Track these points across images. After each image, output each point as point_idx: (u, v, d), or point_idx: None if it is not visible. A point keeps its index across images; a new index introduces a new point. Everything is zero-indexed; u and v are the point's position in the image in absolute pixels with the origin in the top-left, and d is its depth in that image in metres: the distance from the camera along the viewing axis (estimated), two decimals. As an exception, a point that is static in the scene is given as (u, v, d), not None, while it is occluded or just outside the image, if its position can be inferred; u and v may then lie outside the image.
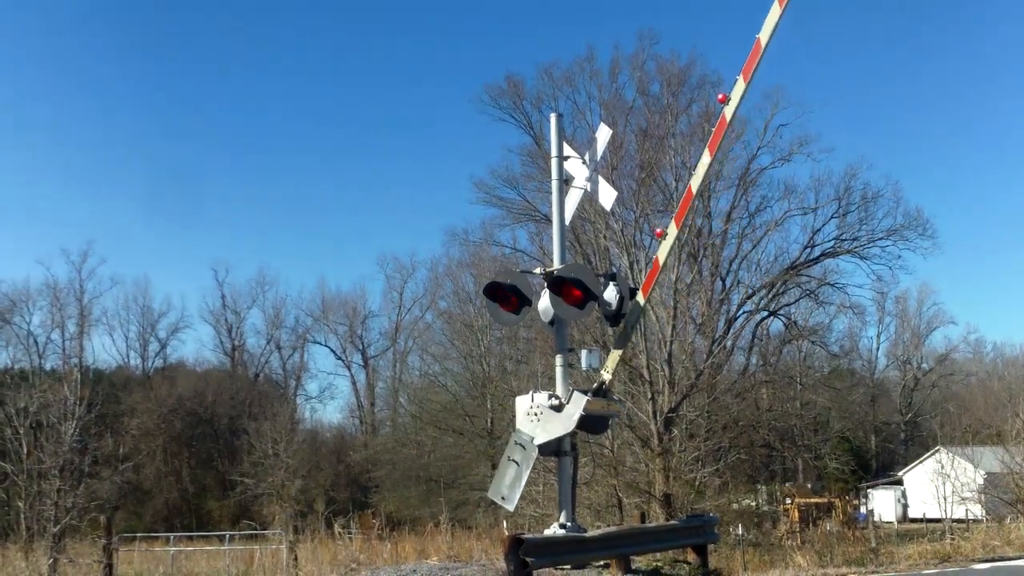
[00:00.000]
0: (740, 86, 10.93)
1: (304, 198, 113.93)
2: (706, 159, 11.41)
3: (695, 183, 11.80)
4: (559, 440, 11.11)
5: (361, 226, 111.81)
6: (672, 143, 36.09)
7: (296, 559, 21.76)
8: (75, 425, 31.17)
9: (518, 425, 11.24)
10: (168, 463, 62.17)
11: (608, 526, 21.64)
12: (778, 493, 48.93)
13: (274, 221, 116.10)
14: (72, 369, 45.83)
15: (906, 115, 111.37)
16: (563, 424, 10.94)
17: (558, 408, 11.00)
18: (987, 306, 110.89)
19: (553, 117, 12.58)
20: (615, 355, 11.81)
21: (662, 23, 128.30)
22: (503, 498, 10.95)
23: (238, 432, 61.11)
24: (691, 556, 13.90)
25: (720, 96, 11.13)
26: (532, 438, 10.98)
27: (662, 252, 11.70)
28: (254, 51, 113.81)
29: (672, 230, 11.73)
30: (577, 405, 10.92)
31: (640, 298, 11.78)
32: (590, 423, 11.52)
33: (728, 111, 11.03)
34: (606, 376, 11.49)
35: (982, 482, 36.31)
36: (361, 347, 77.85)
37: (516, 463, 10.91)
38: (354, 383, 77.97)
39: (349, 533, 21.60)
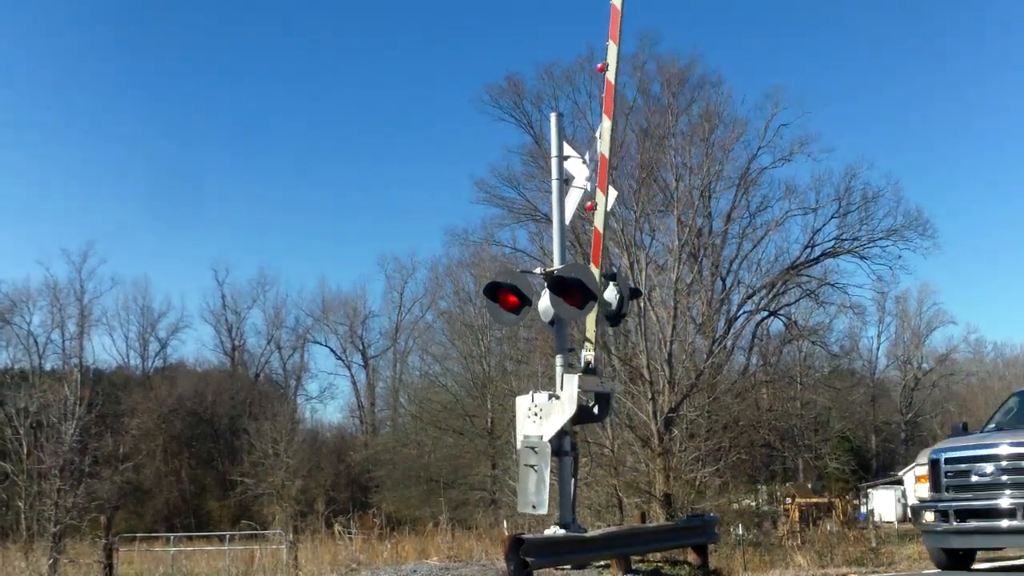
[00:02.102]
0: (612, 49, 11.66)
1: (304, 198, 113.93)
2: (607, 123, 11.90)
3: (604, 148, 11.95)
4: (560, 438, 11.10)
5: (361, 226, 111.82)
6: (672, 143, 36.11)
7: (296, 559, 21.75)
8: (75, 425, 31.18)
9: (522, 430, 11.21)
10: (168, 463, 62.20)
11: (608, 526, 21.63)
12: (778, 493, 48.96)
13: (274, 221, 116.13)
14: (72, 369, 45.86)
15: (907, 115, 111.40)
16: (564, 410, 10.96)
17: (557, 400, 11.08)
18: (987, 306, 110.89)
19: (553, 116, 12.56)
20: (590, 329, 11.92)
21: (662, 23, 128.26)
22: (534, 506, 10.87)
23: (238, 432, 61.16)
24: (691, 556, 13.89)
25: (599, 65, 11.89)
26: (541, 436, 10.98)
27: (597, 221, 11.98)
28: (254, 51, 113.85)
29: (600, 198, 11.90)
30: (571, 385, 10.96)
31: (593, 271, 11.88)
32: (587, 412, 11.54)
33: (610, 75, 11.74)
34: (589, 356, 11.56)
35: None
36: (361, 347, 77.93)
37: (533, 467, 10.90)
38: (354, 383, 78.09)
39: (349, 533, 21.57)
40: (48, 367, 60.89)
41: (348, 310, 78.17)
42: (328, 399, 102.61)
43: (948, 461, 12.31)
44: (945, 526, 12.13)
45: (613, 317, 12.36)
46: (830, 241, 43.04)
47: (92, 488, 33.72)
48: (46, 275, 78.03)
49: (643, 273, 32.20)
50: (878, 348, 79.79)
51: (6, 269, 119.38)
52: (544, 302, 11.61)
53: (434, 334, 59.59)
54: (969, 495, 11.98)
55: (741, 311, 41.01)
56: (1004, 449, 11.91)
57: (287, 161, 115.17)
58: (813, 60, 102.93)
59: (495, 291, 11.61)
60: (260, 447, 52.06)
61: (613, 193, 12.46)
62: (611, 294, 11.87)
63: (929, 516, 12.30)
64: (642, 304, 30.66)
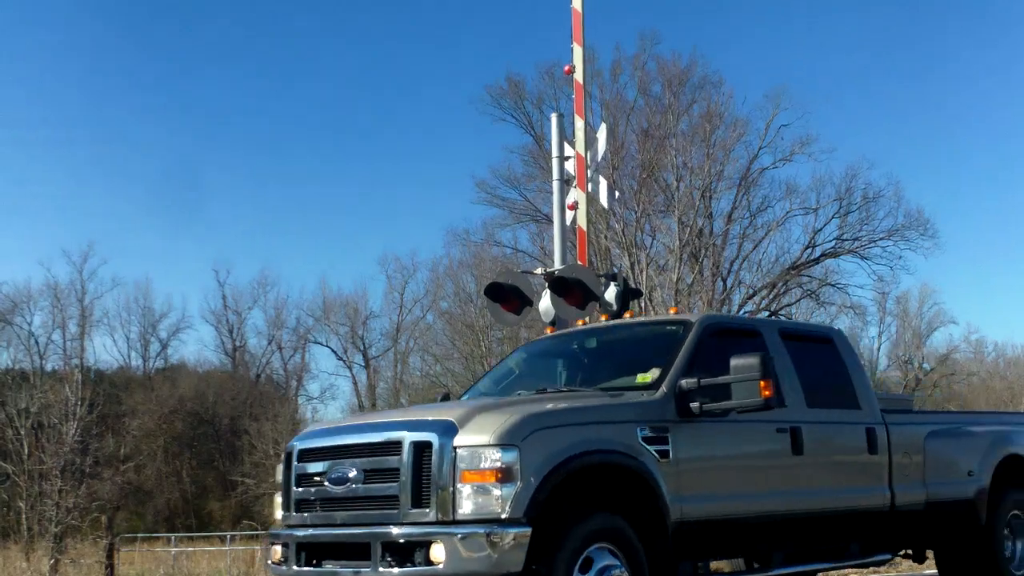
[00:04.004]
0: (578, 51, 12.26)
1: (306, 198, 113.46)
2: (579, 123, 12.48)
3: (579, 147, 12.29)
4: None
5: (362, 226, 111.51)
6: (673, 143, 36.07)
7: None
8: (76, 426, 31.07)
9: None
10: (169, 463, 62.17)
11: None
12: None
13: (275, 221, 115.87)
14: (73, 370, 45.70)
15: (908, 115, 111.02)
16: None
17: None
18: (988, 306, 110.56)
19: (554, 117, 12.60)
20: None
21: (663, 23, 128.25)
22: None
23: (239, 432, 61.07)
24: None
25: (566, 68, 12.43)
26: None
27: (580, 220, 12.36)
28: (254, 51, 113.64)
29: (581, 196, 12.19)
30: None
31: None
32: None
33: (578, 76, 12.33)
34: None
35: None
36: (362, 347, 77.67)
37: None
38: (355, 383, 77.80)
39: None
40: (49, 368, 60.67)
41: (349, 310, 77.99)
42: (329, 399, 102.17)
43: (303, 456, 6.55)
44: (285, 571, 6.43)
45: (614, 317, 12.36)
46: (831, 241, 42.99)
47: (93, 488, 33.60)
48: (47, 276, 77.79)
49: (644, 273, 32.21)
50: (879, 348, 79.34)
51: (7, 270, 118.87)
52: (545, 302, 11.61)
53: (435, 334, 59.42)
54: (325, 516, 6.28)
55: (742, 311, 41.04)
56: (384, 435, 6.08)
57: (288, 161, 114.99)
58: (814, 60, 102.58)
59: (496, 291, 11.63)
60: (261, 447, 51.98)
61: (604, 190, 12.53)
62: (612, 294, 11.87)
63: (276, 553, 6.60)
64: (643, 304, 30.64)
